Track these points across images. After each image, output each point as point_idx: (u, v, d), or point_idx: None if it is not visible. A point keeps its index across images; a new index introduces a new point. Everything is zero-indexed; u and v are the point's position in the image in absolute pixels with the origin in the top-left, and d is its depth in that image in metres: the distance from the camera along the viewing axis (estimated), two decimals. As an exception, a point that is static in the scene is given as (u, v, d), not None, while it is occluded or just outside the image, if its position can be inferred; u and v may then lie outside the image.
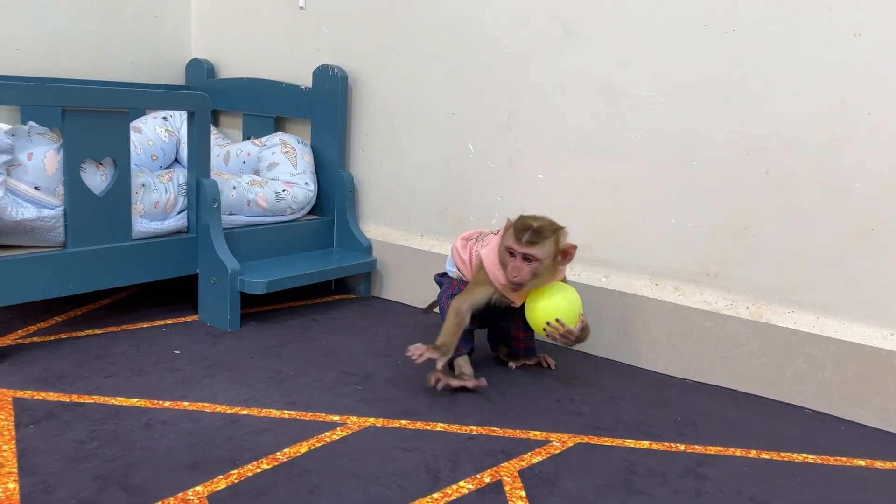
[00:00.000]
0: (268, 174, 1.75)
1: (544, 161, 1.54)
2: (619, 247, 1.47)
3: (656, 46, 1.38)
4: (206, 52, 2.09)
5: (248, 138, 1.95)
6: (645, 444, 1.11)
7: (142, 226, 1.44)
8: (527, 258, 1.19)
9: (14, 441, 0.99)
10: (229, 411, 1.13)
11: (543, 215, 1.25)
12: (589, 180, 1.49)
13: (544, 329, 1.22)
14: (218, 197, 1.51)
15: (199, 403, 1.15)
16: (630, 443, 1.11)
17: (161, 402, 1.14)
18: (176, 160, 1.93)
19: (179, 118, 1.94)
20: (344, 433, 1.08)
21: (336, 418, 1.13)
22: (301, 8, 1.88)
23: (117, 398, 1.15)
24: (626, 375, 1.39)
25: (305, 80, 1.85)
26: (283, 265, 1.62)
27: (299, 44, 1.90)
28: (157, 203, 1.46)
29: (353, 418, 1.13)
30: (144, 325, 1.48)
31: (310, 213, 1.81)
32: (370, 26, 1.76)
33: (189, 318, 1.53)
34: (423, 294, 1.71)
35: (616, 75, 1.43)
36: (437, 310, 1.38)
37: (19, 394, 1.13)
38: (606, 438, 1.12)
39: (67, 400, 1.13)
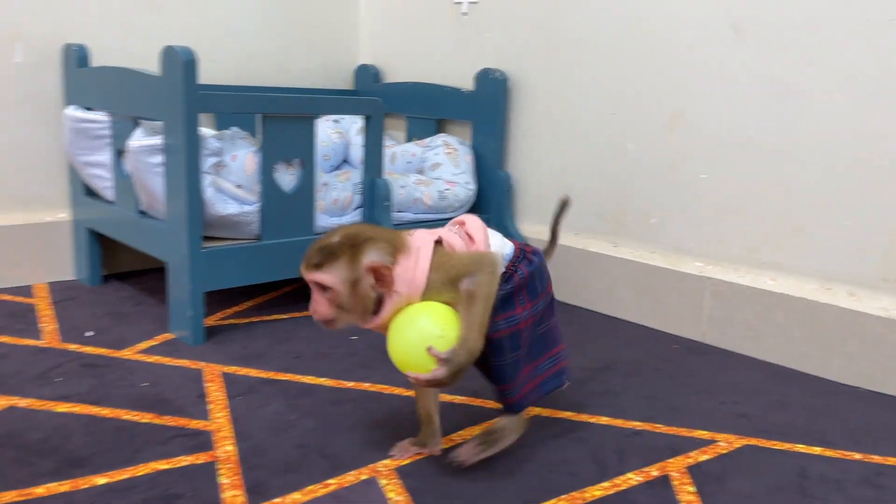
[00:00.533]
0: (431, 174, 1.85)
1: (708, 162, 1.53)
2: (788, 250, 1.44)
3: (834, 43, 1.34)
4: (373, 58, 2.22)
5: (411, 140, 2.06)
6: (817, 450, 1.09)
7: (323, 221, 1.57)
8: (320, 287, 0.92)
9: (228, 409, 1.13)
10: (406, 394, 1.22)
11: (373, 225, 0.98)
12: (756, 181, 1.47)
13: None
14: (389, 195, 1.62)
15: (380, 385, 1.25)
16: (800, 448, 1.10)
17: (345, 382, 1.25)
18: (345, 160, 2.07)
19: (349, 121, 2.08)
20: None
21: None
22: (464, 14, 1.97)
23: (307, 377, 1.27)
24: (793, 381, 1.36)
25: (467, 84, 1.93)
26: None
27: (462, 49, 1.98)
28: (336, 200, 1.59)
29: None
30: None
31: (468, 210, 1.90)
32: (532, 31, 1.81)
33: (361, 308, 1.65)
34: (576, 290, 1.74)
35: (789, 73, 1.40)
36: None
37: (226, 369, 1.28)
38: (775, 442, 1.11)
39: (265, 376, 1.26)
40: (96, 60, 1.67)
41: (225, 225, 1.44)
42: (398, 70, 2.17)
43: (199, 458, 0.98)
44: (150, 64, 1.40)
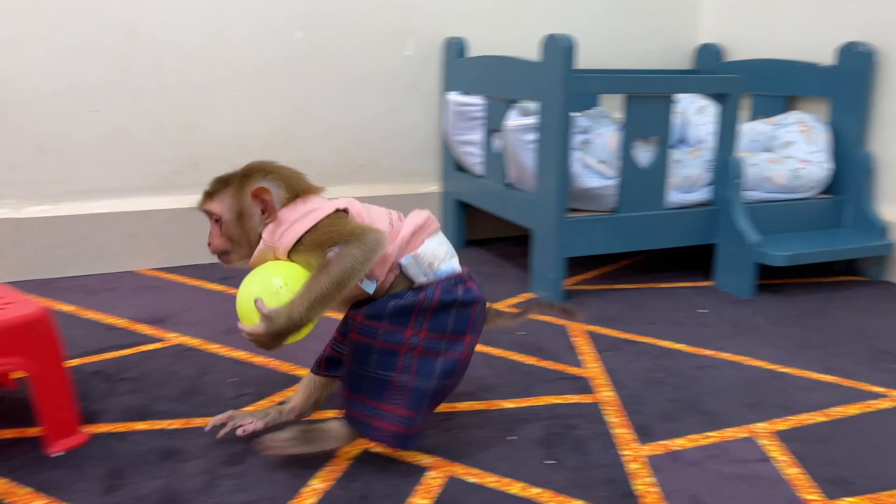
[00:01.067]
0: (783, 152, 1.80)
1: None
2: None
3: None
4: (716, 37, 2.21)
5: (756, 118, 2.02)
6: None
7: (674, 197, 1.63)
8: (213, 218, 0.90)
9: (599, 361, 1.25)
10: (768, 367, 1.24)
11: (288, 167, 0.92)
12: None
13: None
14: (741, 174, 1.63)
15: (738, 356, 1.29)
16: None
17: (703, 350, 1.31)
18: (681, 140, 2.09)
19: (689, 100, 2.10)
20: (891, 404, 1.11)
21: (879, 389, 1.16)
22: (826, -15, 1.87)
23: (664, 341, 1.35)
24: None
25: (823, 58, 1.84)
26: (798, 240, 1.67)
27: (820, 21, 1.89)
28: (687, 177, 1.64)
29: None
30: (667, 286, 1.68)
31: (824, 192, 1.82)
32: (911, -3, 1.67)
33: (705, 283, 1.69)
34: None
35: None
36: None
37: (587, 328, 1.41)
38: None
39: (625, 337, 1.36)
40: (471, 51, 1.90)
41: (586, 197, 1.56)
42: (742, 47, 2.13)
43: (585, 399, 1.12)
44: (515, 51, 1.56)
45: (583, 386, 1.16)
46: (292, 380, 1.15)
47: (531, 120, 1.55)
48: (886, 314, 1.51)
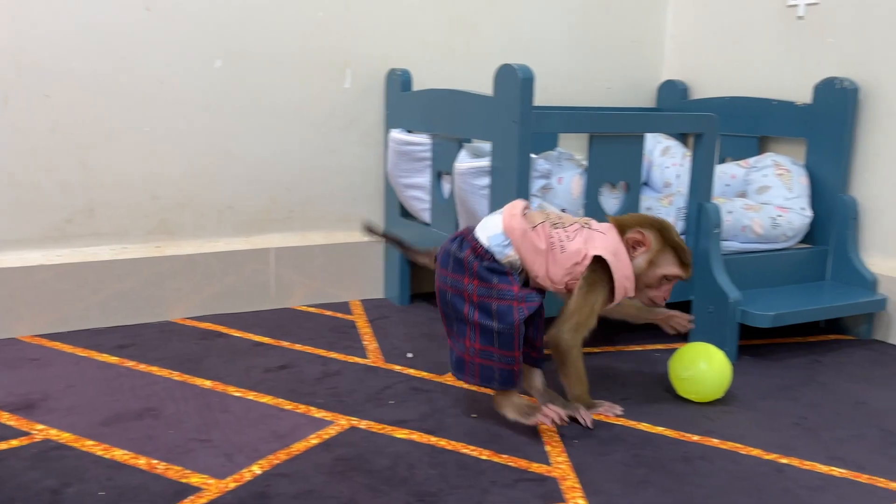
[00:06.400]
0: (758, 198, 1.63)
1: None
2: None
3: None
4: (680, 73, 2.06)
5: (725, 160, 1.86)
6: None
7: (645, 249, 1.44)
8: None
9: (567, 454, 1.03)
10: (766, 457, 1.04)
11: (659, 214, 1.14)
12: None
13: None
14: (720, 223, 1.45)
15: (729, 442, 1.08)
16: None
17: (688, 435, 1.10)
18: (644, 183, 1.92)
19: (653, 141, 1.93)
20: (921, 508, 0.92)
21: (901, 487, 0.97)
22: (800, 18, 1.73)
23: (642, 423, 1.14)
24: None
25: (799, 97, 1.69)
26: (782, 297, 1.49)
27: (793, 57, 1.75)
28: (659, 227, 1.45)
29: (926, 491, 0.96)
30: (637, 348, 1.48)
31: (802, 241, 1.65)
32: (895, 32, 1.54)
33: (680, 346, 1.49)
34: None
35: None
36: (501, 329, 1.05)
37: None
38: None
39: (596, 418, 1.15)
40: (417, 84, 1.70)
41: (547, 250, 1.36)
42: (708, 85, 1.99)
43: (552, 510, 0.89)
44: (466, 84, 1.37)
45: (550, 491, 0.94)
46: (179, 491, 0.90)
47: (484, 162, 1.35)
48: (886, 383, 1.33)
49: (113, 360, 1.31)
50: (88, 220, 1.48)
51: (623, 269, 1.06)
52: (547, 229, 1.07)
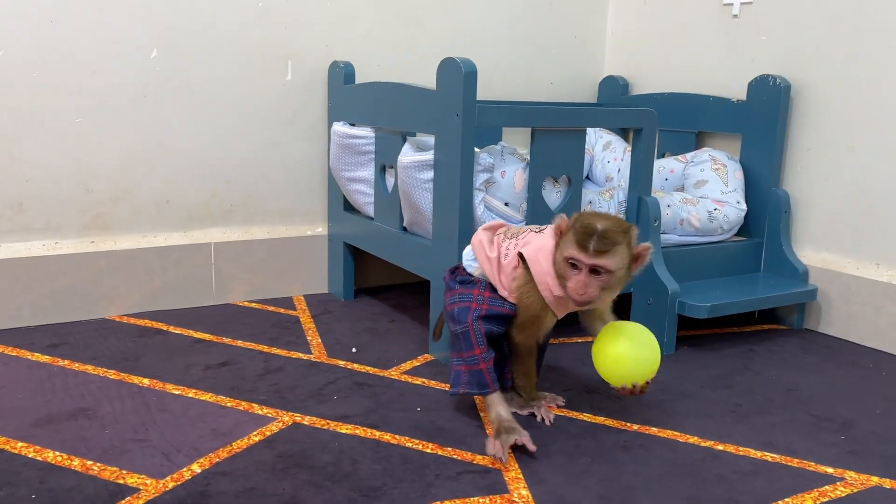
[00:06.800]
0: (695, 192, 1.68)
1: None
2: None
3: None
4: (621, 70, 2.09)
5: (664, 155, 1.91)
6: None
7: (587, 242, 1.46)
8: (595, 270, 0.97)
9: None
10: (702, 444, 1.07)
11: (606, 212, 1.04)
12: None
13: (622, 387, 1.06)
14: (659, 216, 1.48)
15: (667, 430, 1.11)
16: None
17: (628, 424, 1.13)
18: (587, 177, 1.95)
19: (595, 136, 1.96)
20: (848, 490, 0.96)
21: (830, 470, 1.01)
22: (735, 16, 1.78)
23: (583, 414, 1.16)
24: None
25: (734, 93, 1.74)
26: (718, 289, 1.53)
27: (729, 55, 1.79)
28: (601, 220, 1.47)
29: (852, 474, 1.00)
30: (577, 340, 1.50)
31: (737, 233, 1.70)
32: (826, 32, 1.59)
33: (621, 337, 1.52)
34: (880, 332, 1.49)
35: None
36: (457, 330, 1.06)
37: (496, 398, 1.20)
38: None
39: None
40: (360, 77, 1.69)
41: (491, 244, 1.37)
42: (648, 81, 2.02)
43: (496, 500, 0.90)
44: (409, 78, 1.37)
45: (494, 483, 0.94)
46: (115, 492, 0.88)
47: (427, 156, 1.34)
48: (816, 369, 1.38)
49: (45, 359, 1.27)
50: (18, 214, 1.43)
51: (541, 264, 1.02)
52: (500, 239, 1.10)
